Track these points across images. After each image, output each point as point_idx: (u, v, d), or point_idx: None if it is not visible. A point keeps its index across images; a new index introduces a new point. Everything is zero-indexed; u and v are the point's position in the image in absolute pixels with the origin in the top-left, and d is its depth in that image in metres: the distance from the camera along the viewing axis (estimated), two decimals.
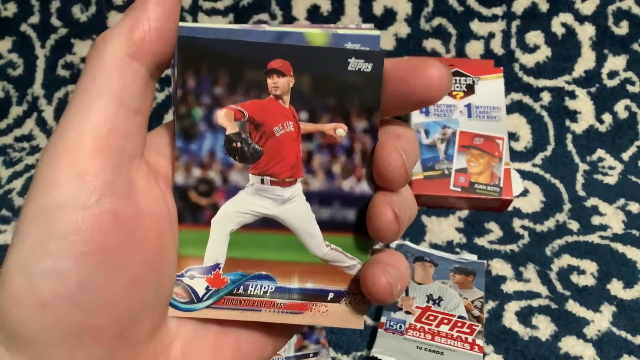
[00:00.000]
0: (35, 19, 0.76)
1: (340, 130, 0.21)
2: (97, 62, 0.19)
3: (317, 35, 0.21)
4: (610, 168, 0.70)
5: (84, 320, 0.18)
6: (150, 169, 0.20)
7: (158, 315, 0.20)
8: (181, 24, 0.20)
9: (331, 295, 0.22)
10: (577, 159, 0.70)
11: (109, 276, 0.18)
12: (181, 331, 0.21)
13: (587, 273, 0.57)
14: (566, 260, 0.58)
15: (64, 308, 0.17)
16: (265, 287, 0.22)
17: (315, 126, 0.21)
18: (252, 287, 0.22)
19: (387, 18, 0.74)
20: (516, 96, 0.73)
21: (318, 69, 0.21)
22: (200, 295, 0.21)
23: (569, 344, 0.50)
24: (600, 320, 0.52)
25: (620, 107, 0.72)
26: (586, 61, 0.73)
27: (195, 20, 0.74)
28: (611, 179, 0.68)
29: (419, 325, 0.48)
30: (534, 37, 0.73)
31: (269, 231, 0.22)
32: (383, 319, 0.49)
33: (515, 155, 0.70)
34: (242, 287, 0.22)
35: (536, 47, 0.73)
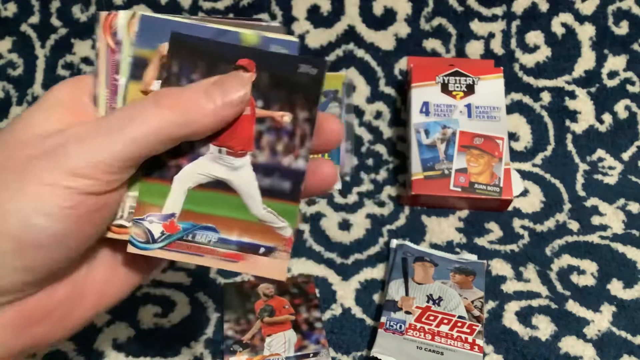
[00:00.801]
0: (35, 19, 0.76)
1: (286, 118, 0.26)
2: None
3: (249, 36, 0.26)
4: (610, 168, 0.70)
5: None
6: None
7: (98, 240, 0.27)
8: (145, 13, 0.26)
9: (262, 249, 0.27)
10: (577, 159, 0.70)
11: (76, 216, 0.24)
12: (104, 254, 0.28)
13: (587, 273, 0.57)
14: (566, 260, 0.58)
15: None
16: (209, 237, 0.26)
17: (267, 112, 0.26)
18: (199, 236, 0.26)
19: (387, 18, 0.74)
20: (516, 96, 0.73)
21: (275, 69, 0.26)
22: (156, 237, 0.26)
23: (569, 344, 0.50)
24: (600, 320, 0.52)
25: (620, 107, 0.72)
26: (586, 61, 0.73)
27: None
28: (611, 179, 0.68)
29: (419, 325, 0.48)
30: (534, 37, 0.73)
31: (219, 191, 0.27)
32: (383, 319, 0.49)
33: (515, 155, 0.70)
34: (190, 235, 0.26)
35: (536, 47, 0.73)
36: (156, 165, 0.26)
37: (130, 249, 0.26)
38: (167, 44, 0.26)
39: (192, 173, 0.27)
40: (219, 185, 0.27)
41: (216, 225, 0.26)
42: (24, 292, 0.24)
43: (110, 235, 0.26)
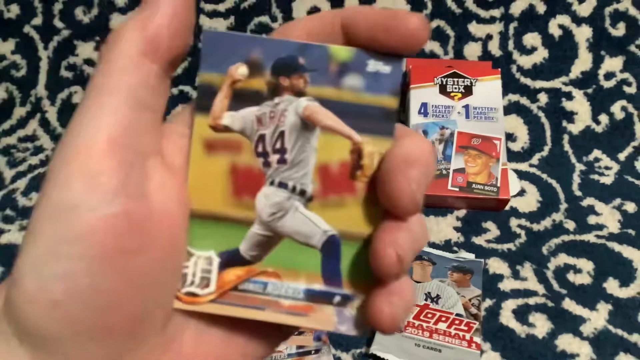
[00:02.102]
0: (38, 20, 0.77)
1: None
2: (109, 60, 0.18)
3: (341, 50, 0.21)
4: (607, 168, 0.70)
5: (95, 320, 0.18)
6: (166, 165, 0.20)
7: (169, 309, 0.20)
8: (209, 29, 0.21)
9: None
10: (573, 159, 0.71)
11: (121, 279, 0.18)
12: (191, 323, 0.21)
13: (584, 272, 0.57)
14: (563, 259, 0.59)
15: (76, 308, 0.17)
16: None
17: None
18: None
19: None
20: (513, 97, 0.73)
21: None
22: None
23: (565, 341, 0.50)
24: (597, 319, 0.52)
25: (616, 108, 0.73)
26: (583, 62, 0.73)
27: (196, 20, 0.75)
28: (607, 179, 0.69)
29: (417, 322, 0.49)
30: (532, 38, 0.74)
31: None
32: None
33: (513, 156, 0.71)
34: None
35: (533, 49, 0.74)
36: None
37: (177, 304, 0.21)
38: (240, 65, 0.21)
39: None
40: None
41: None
42: None
43: (179, 305, 0.21)
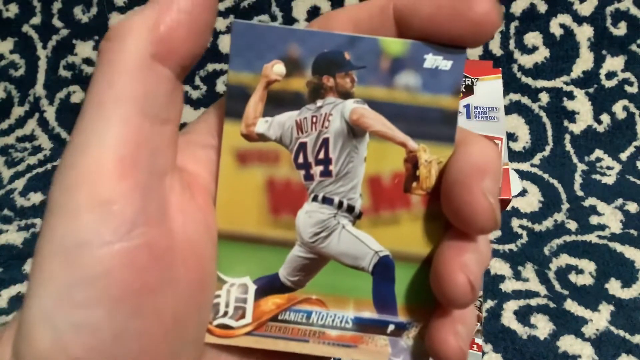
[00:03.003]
0: (36, 19, 0.76)
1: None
2: (113, 64, 0.15)
3: (393, 43, 0.18)
4: (609, 168, 0.70)
5: None
6: (184, 184, 0.17)
7: (201, 345, 0.18)
8: (240, 20, 0.18)
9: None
10: (575, 159, 0.71)
11: (147, 321, 0.15)
12: (222, 356, 0.19)
13: (586, 272, 0.57)
14: (564, 259, 0.58)
15: None
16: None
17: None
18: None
19: None
20: (515, 97, 0.73)
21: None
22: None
23: (567, 343, 0.50)
24: (599, 320, 0.52)
25: (618, 108, 0.73)
26: (584, 62, 0.73)
27: None
28: (609, 179, 0.69)
29: None
30: (533, 38, 0.73)
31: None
32: None
33: (514, 156, 0.71)
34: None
35: (535, 48, 0.73)
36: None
37: (209, 338, 0.19)
38: (276, 62, 0.18)
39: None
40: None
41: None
42: None
43: (211, 340, 0.19)
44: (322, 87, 0.18)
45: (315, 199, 0.19)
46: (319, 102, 0.18)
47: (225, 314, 0.19)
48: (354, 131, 0.18)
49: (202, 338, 0.18)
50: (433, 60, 0.18)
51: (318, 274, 0.19)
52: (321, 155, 0.18)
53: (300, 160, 0.19)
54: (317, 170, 0.19)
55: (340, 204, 0.19)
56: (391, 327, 0.19)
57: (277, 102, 0.18)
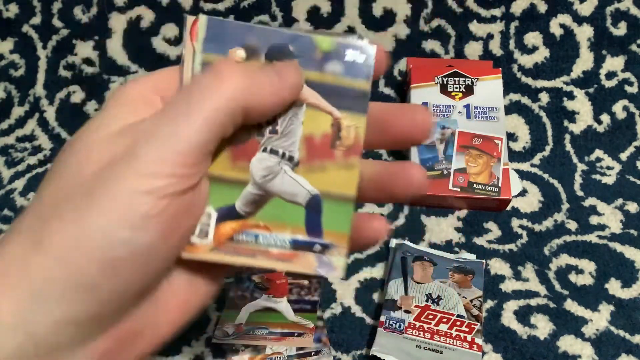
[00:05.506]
0: (36, 19, 0.76)
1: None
2: (196, 95, 0.22)
3: (324, 41, 0.24)
4: (609, 168, 0.70)
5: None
6: None
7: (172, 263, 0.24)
8: (212, 17, 0.24)
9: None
10: (575, 159, 0.71)
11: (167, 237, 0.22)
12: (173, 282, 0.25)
13: (586, 272, 0.57)
14: (564, 259, 0.58)
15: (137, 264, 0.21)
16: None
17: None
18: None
19: (387, 19, 0.74)
20: (515, 97, 0.73)
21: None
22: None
23: (567, 343, 0.50)
24: (599, 320, 0.52)
25: (618, 108, 0.73)
26: (584, 62, 0.73)
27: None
28: (609, 179, 0.69)
29: (418, 324, 0.49)
30: (533, 38, 0.73)
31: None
32: (382, 318, 0.49)
33: (514, 156, 0.71)
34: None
35: (534, 48, 0.73)
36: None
37: (185, 254, 0.24)
38: (238, 48, 0.24)
39: (253, 305, 0.47)
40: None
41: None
42: (119, 317, 0.22)
43: (185, 254, 0.24)
44: None
45: (264, 150, 0.25)
46: None
47: (192, 233, 0.24)
48: (295, 102, 0.24)
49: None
50: (352, 55, 0.24)
51: (265, 206, 0.25)
52: (270, 119, 0.25)
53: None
54: (267, 129, 0.25)
55: (283, 154, 0.25)
56: (318, 247, 0.25)
57: None
